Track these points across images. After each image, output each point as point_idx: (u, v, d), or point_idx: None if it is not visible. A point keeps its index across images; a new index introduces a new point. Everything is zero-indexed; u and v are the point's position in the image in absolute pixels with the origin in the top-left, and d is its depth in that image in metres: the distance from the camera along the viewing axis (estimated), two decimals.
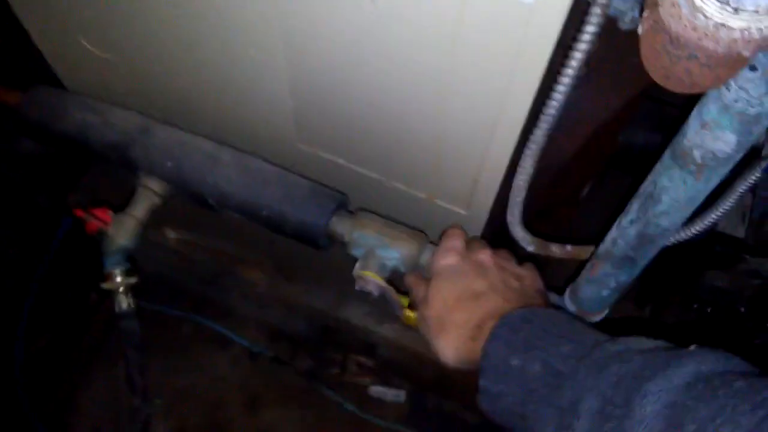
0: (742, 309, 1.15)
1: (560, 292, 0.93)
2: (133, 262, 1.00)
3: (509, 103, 0.69)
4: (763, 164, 0.74)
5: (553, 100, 0.65)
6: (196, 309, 1.93)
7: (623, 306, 0.93)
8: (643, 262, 0.77)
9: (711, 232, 1.10)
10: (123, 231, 0.97)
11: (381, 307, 1.12)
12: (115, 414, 1.79)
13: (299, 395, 1.87)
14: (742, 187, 0.74)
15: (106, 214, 0.97)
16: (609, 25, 0.60)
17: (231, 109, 0.98)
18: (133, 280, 0.99)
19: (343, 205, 0.93)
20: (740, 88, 0.49)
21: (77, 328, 1.87)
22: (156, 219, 1.00)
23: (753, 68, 0.47)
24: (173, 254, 1.69)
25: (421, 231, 0.92)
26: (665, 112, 1.14)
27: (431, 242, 0.91)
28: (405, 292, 0.90)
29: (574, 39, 0.60)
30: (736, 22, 0.41)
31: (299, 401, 1.87)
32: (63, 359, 1.84)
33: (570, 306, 0.91)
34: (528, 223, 0.85)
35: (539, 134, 0.70)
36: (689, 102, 0.58)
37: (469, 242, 0.86)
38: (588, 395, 0.58)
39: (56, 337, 1.80)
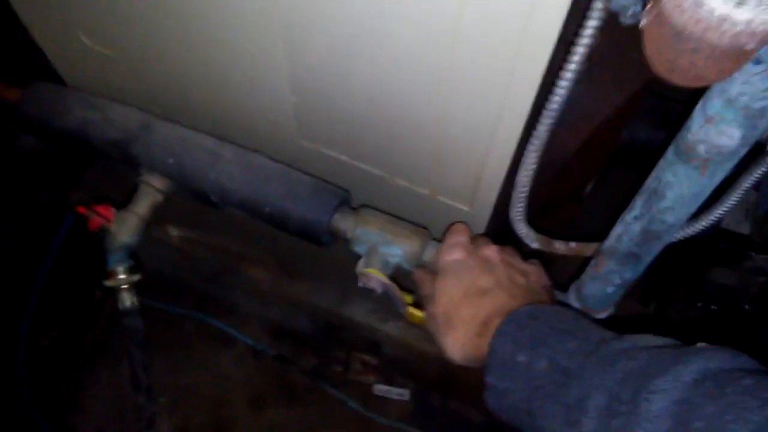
0: (747, 307, 1.15)
1: (563, 289, 0.92)
2: (136, 259, 1.00)
3: (511, 99, 0.69)
4: None
5: (556, 95, 0.65)
6: (198, 307, 1.93)
7: (627, 303, 0.93)
8: (647, 258, 0.77)
9: (715, 228, 1.09)
10: (125, 228, 0.97)
11: (384, 304, 1.12)
12: (120, 412, 1.80)
13: (303, 393, 1.87)
14: (746, 182, 0.74)
15: (109, 211, 0.97)
16: (610, 19, 0.59)
17: (232, 106, 0.98)
18: (136, 277, 0.99)
19: (345, 202, 0.93)
20: (745, 81, 0.48)
21: (81, 326, 1.88)
22: (158, 216, 1.00)
23: (758, 61, 0.46)
24: (176, 252, 1.69)
25: (424, 227, 0.92)
26: (668, 108, 1.14)
27: (434, 239, 0.91)
28: (408, 289, 0.90)
29: (576, 34, 0.59)
30: (740, 15, 0.40)
31: (303, 399, 1.87)
32: (67, 357, 1.84)
33: (574, 303, 0.91)
34: (531, 220, 0.85)
35: (542, 130, 0.70)
36: (692, 98, 0.57)
37: (474, 239, 0.86)
38: (595, 392, 0.58)
39: (60, 335, 1.81)
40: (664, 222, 0.68)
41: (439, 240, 0.88)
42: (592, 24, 0.58)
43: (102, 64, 1.02)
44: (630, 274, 0.80)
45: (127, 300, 0.98)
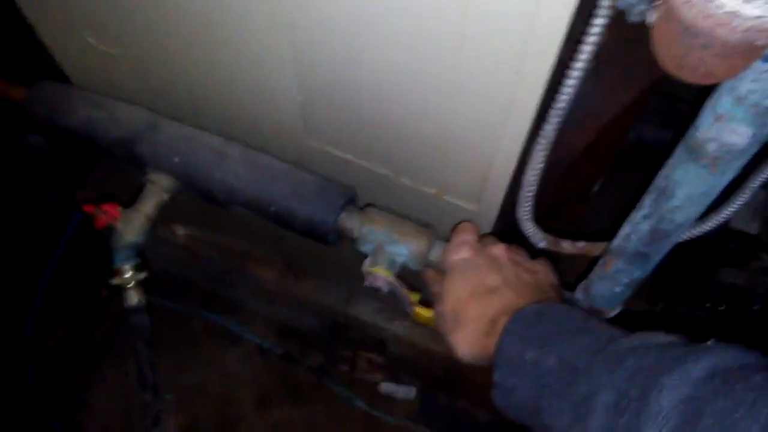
0: (756, 307, 1.14)
1: (571, 288, 0.92)
2: (142, 257, 1.00)
3: (518, 98, 0.69)
4: None
5: (563, 93, 0.65)
6: (205, 305, 1.94)
7: (635, 303, 0.92)
8: (656, 258, 0.76)
9: (724, 228, 1.08)
10: (132, 227, 0.97)
11: (391, 303, 1.12)
12: (126, 410, 1.80)
13: (309, 392, 1.88)
14: (755, 182, 0.73)
15: (116, 209, 0.97)
16: (617, 17, 0.59)
17: (238, 105, 0.98)
18: (142, 275, 0.99)
19: (352, 201, 0.93)
20: (755, 79, 0.48)
21: (87, 325, 1.88)
22: (164, 215, 1.00)
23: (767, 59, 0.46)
24: (182, 250, 1.69)
25: (430, 226, 0.91)
26: (676, 108, 1.13)
27: (440, 238, 0.90)
28: (414, 288, 0.89)
29: (583, 32, 0.59)
30: (750, 11, 0.40)
31: (309, 398, 1.87)
32: (73, 355, 1.85)
33: (582, 302, 0.91)
34: (538, 219, 0.85)
35: (549, 129, 0.69)
36: (700, 97, 0.57)
37: (482, 238, 0.86)
38: (603, 389, 0.57)
39: (66, 334, 1.81)
40: (673, 221, 0.68)
41: (446, 239, 0.88)
42: (599, 22, 0.57)
43: (107, 63, 1.02)
44: (638, 273, 0.79)
45: (134, 298, 0.98)
